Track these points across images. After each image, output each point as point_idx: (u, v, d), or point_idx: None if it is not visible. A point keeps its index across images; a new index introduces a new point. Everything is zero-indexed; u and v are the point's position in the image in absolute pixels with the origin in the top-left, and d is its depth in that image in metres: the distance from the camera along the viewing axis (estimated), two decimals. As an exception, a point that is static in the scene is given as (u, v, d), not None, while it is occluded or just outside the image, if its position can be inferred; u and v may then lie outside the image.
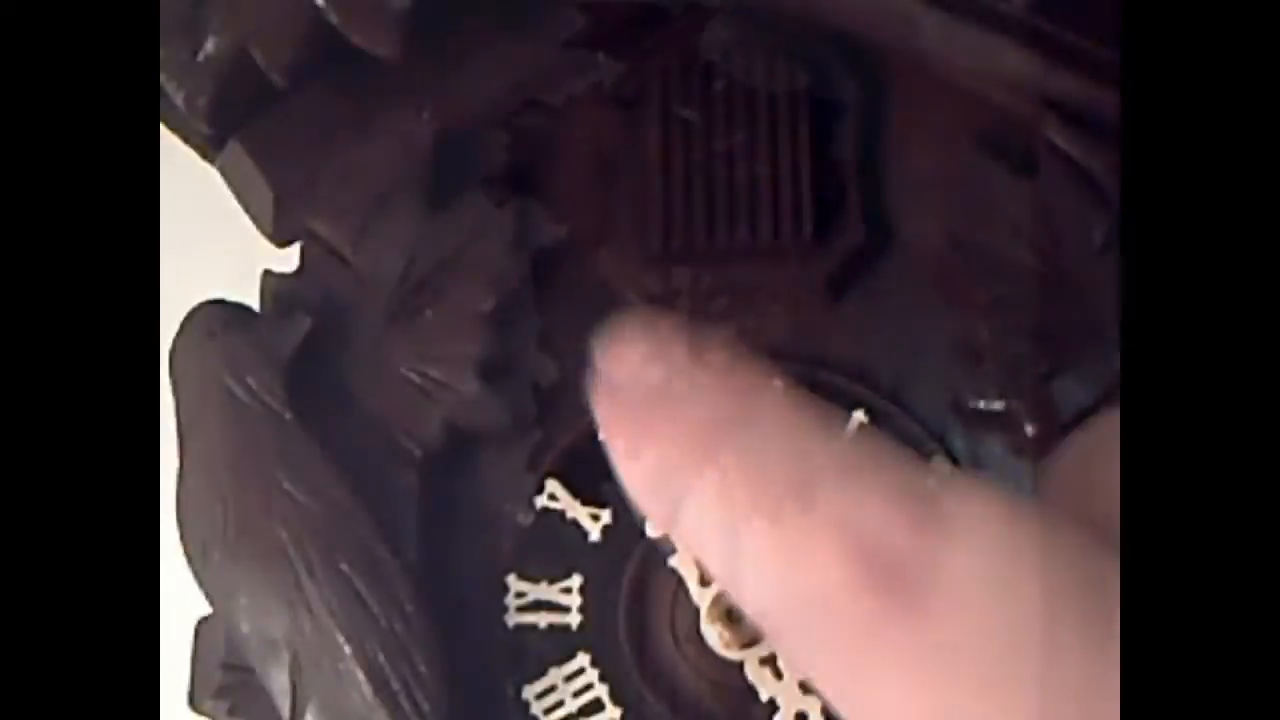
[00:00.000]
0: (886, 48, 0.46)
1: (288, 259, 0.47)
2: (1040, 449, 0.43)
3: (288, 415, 0.43)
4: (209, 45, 0.42)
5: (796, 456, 0.29)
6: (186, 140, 0.46)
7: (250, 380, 0.43)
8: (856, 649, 0.28)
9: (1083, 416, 0.43)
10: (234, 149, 0.46)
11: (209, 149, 0.46)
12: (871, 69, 0.46)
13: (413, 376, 0.45)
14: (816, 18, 0.46)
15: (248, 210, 0.47)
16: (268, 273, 0.46)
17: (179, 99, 0.43)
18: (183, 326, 0.45)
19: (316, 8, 0.42)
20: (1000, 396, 0.43)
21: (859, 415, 0.43)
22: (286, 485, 0.43)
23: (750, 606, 0.30)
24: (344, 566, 0.43)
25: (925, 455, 0.44)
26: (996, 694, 0.27)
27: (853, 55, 0.46)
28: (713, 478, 0.30)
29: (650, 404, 0.32)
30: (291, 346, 0.44)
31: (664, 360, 0.32)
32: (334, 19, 0.42)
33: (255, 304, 0.47)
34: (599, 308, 0.45)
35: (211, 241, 0.50)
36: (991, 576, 0.28)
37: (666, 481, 0.31)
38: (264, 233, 0.47)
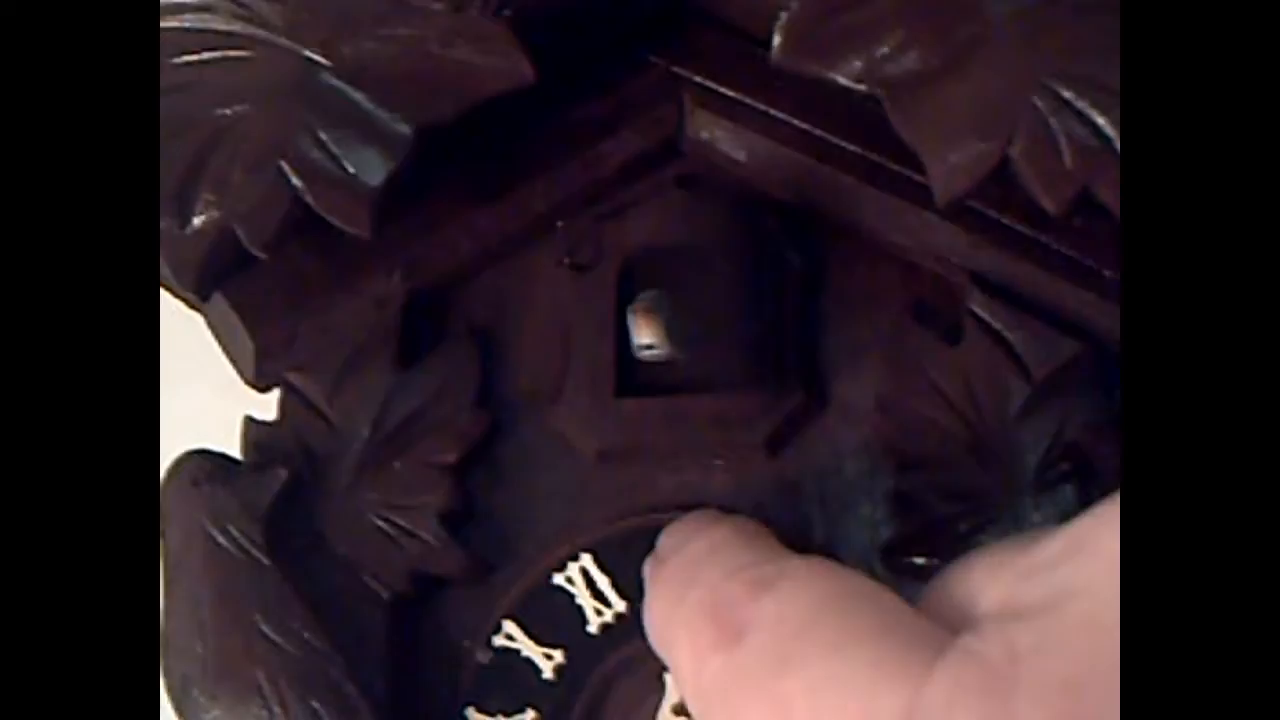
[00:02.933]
0: (828, 221, 0.49)
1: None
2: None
3: (266, 561, 0.47)
4: (196, 221, 0.46)
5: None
6: (174, 295, 0.49)
7: (231, 529, 0.47)
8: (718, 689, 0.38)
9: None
10: (219, 302, 0.50)
11: (195, 301, 0.50)
12: (813, 240, 0.50)
13: (382, 524, 0.48)
14: (764, 191, 0.49)
15: (231, 357, 0.50)
16: (249, 420, 0.50)
17: (168, 269, 0.47)
18: (170, 473, 0.48)
19: (295, 188, 0.45)
20: (925, 552, 0.47)
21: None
22: (264, 628, 0.46)
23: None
24: (315, 704, 0.46)
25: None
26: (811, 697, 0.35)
27: (796, 227, 0.49)
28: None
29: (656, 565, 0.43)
30: (270, 497, 0.47)
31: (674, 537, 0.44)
32: (310, 200, 0.45)
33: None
34: (555, 460, 0.49)
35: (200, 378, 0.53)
36: (800, 614, 0.37)
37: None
38: (245, 380, 0.50)
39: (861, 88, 0.44)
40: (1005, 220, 0.48)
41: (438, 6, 0.45)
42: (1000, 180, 0.44)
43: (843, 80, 0.44)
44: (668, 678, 0.46)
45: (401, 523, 0.48)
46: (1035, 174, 0.43)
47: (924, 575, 0.46)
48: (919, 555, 0.47)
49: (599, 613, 0.48)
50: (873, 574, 0.47)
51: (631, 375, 0.48)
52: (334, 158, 0.45)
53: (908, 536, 0.47)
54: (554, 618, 0.48)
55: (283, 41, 0.46)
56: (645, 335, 0.46)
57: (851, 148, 0.48)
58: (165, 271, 0.47)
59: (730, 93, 0.49)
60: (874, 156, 0.48)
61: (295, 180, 0.45)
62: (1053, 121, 0.43)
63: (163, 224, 0.46)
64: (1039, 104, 0.43)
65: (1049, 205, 0.44)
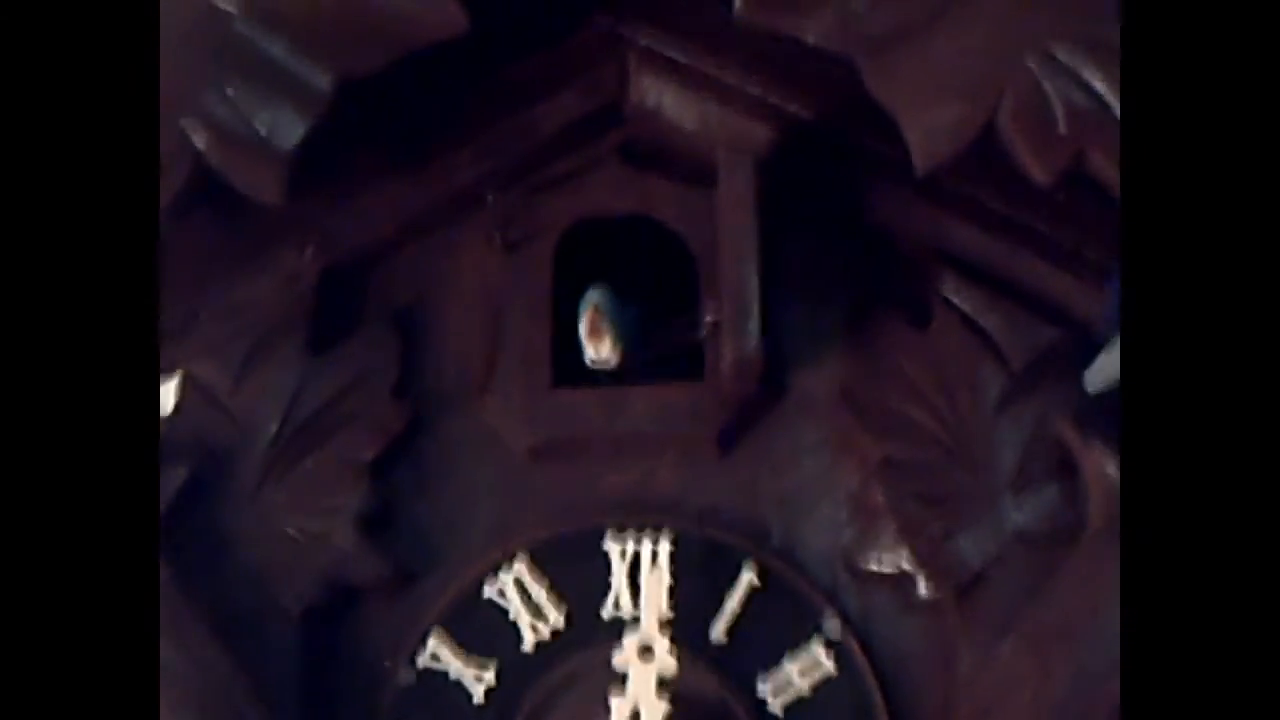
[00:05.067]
0: (784, 195, 0.45)
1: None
2: (934, 610, 0.43)
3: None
4: (87, 186, 0.41)
5: None
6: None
7: (123, 534, 0.42)
8: None
9: (977, 579, 0.43)
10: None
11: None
12: (768, 215, 0.45)
13: (291, 529, 0.44)
14: (713, 162, 0.45)
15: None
16: (142, 412, 0.45)
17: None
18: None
19: (199, 150, 0.41)
20: (894, 558, 0.43)
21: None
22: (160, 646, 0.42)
23: None
24: (216, 730, 0.42)
25: (816, 613, 0.44)
26: None
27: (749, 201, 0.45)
28: None
29: None
30: (165, 501, 0.43)
31: None
32: (216, 163, 0.41)
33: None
34: (484, 456, 0.45)
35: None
36: None
37: None
38: (138, 367, 0.46)
39: (832, 46, 0.40)
40: (980, 195, 0.44)
41: (362, -52, 0.41)
42: (979, 149, 0.41)
43: (811, 38, 0.41)
44: (614, 700, 0.42)
45: (314, 527, 0.44)
46: (1025, 140, 0.39)
47: (893, 583, 0.43)
48: (889, 563, 0.43)
49: (534, 627, 0.44)
50: (835, 580, 0.44)
51: (569, 363, 0.45)
52: (243, 116, 0.41)
53: (876, 541, 0.43)
54: (485, 632, 0.44)
55: (186, -15, 0.42)
56: (597, 350, 0.44)
57: (812, 115, 0.45)
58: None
59: (679, 54, 0.46)
60: (838, 125, 0.45)
61: (199, 141, 0.41)
62: (1045, 84, 0.39)
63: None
64: (1031, 64, 0.39)
65: (1038, 175, 0.40)
